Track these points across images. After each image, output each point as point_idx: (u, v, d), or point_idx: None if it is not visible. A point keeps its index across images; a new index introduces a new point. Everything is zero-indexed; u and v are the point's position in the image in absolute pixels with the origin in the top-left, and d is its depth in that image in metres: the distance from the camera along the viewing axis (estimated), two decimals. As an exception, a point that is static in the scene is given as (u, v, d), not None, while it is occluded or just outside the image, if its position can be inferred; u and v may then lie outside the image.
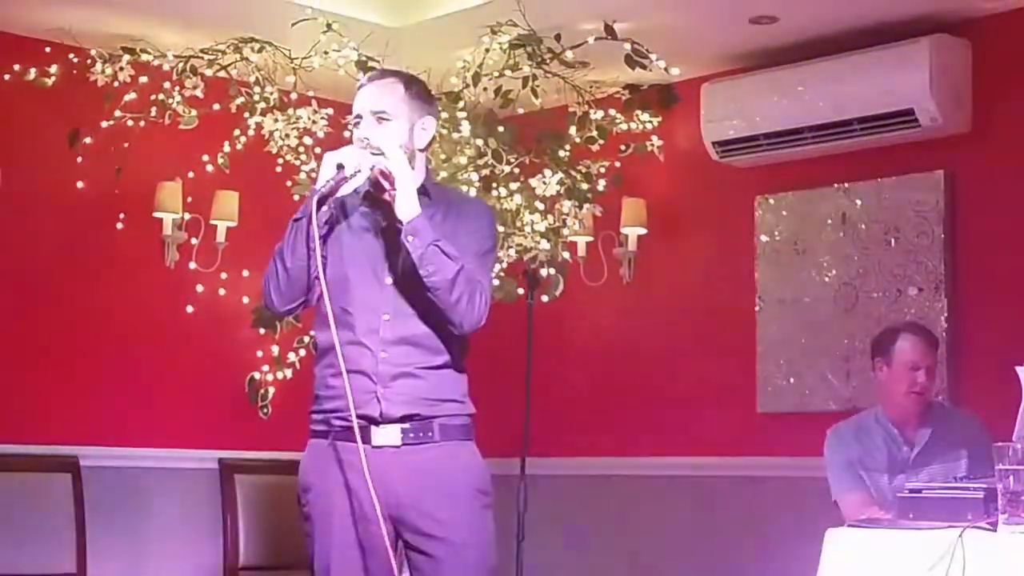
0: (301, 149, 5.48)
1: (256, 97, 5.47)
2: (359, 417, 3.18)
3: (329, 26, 5.29)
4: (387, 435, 3.22)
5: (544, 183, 5.44)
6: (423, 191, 3.33)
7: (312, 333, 3.43)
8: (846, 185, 5.65)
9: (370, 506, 3.16)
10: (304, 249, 3.21)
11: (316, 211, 3.21)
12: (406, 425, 3.23)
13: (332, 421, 3.26)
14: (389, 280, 3.28)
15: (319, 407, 3.31)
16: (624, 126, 5.66)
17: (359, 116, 3.35)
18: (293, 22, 5.25)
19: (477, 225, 3.39)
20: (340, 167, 3.23)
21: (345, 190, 3.26)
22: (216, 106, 5.50)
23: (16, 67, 5.37)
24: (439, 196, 3.42)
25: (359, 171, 3.23)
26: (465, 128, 5.33)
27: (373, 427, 3.22)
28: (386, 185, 3.26)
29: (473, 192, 5.21)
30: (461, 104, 5.35)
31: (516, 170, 5.47)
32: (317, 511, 3.28)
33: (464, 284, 3.20)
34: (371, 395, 3.22)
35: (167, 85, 5.46)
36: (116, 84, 5.40)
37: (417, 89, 3.39)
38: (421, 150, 3.38)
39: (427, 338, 3.26)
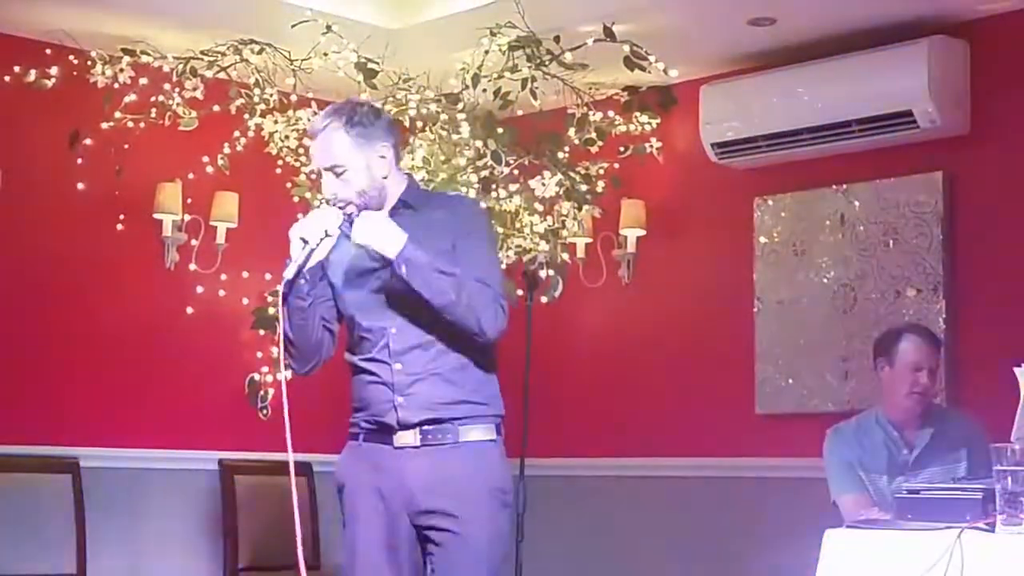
0: (301, 151, 5.49)
1: (256, 98, 5.48)
2: (380, 425, 3.36)
3: (329, 28, 5.30)
4: (407, 437, 3.34)
5: (543, 185, 5.46)
6: (404, 204, 3.38)
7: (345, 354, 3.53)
8: (844, 186, 5.65)
9: (397, 505, 3.32)
10: (299, 322, 3.34)
11: (290, 291, 3.28)
12: (426, 427, 3.33)
13: (361, 424, 3.41)
14: (385, 297, 3.34)
15: (353, 414, 3.45)
16: (623, 128, 5.68)
17: (318, 173, 3.40)
18: (293, 24, 5.25)
19: (472, 225, 3.43)
20: (304, 241, 3.26)
21: (319, 255, 3.29)
22: (216, 107, 5.51)
23: (16, 69, 5.37)
24: (423, 203, 3.44)
25: (327, 236, 3.27)
26: (464, 130, 5.35)
27: (393, 432, 3.36)
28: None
29: (472, 194, 5.22)
30: (460, 106, 5.36)
31: (515, 172, 5.48)
32: (347, 509, 3.42)
33: (475, 295, 3.26)
34: (389, 404, 3.34)
35: (167, 87, 5.46)
36: (116, 86, 5.40)
37: (359, 120, 3.32)
38: (385, 177, 3.36)
39: (436, 342, 3.33)
